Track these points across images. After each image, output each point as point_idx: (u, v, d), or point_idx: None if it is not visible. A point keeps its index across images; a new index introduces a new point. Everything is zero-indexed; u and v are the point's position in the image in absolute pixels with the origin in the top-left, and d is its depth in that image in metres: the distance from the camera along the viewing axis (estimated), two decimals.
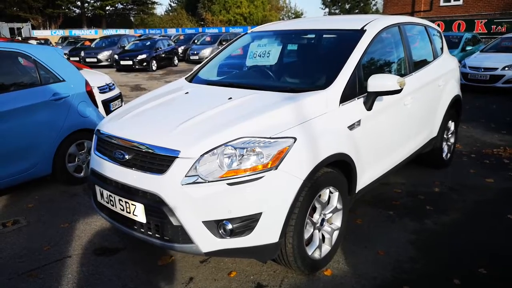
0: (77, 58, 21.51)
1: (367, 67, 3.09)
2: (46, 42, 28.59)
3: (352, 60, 2.88)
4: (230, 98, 2.73)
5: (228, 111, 2.51)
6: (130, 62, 17.81)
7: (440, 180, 4.23)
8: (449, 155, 4.67)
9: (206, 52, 20.54)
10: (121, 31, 42.84)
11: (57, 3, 45.95)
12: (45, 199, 3.91)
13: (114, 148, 2.50)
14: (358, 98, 2.84)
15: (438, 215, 3.45)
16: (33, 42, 29.00)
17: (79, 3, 50.17)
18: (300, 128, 2.39)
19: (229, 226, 2.17)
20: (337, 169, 2.67)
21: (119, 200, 2.40)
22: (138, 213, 2.32)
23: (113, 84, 7.28)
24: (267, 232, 2.24)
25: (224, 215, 2.16)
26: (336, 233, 2.74)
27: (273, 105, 2.54)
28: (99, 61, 20.75)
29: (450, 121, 4.56)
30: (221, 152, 2.18)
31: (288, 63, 3.60)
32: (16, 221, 3.45)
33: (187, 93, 3.04)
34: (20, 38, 32.94)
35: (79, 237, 3.16)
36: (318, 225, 2.58)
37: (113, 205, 2.47)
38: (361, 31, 3.15)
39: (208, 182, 2.14)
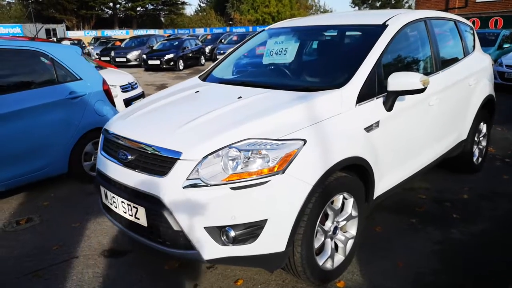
0: (108, 58, 22.06)
1: (389, 65, 2.89)
2: (79, 42, 29.44)
3: (371, 58, 2.69)
4: (240, 97, 2.60)
5: (235, 111, 2.39)
6: (158, 62, 18.04)
7: (469, 186, 3.95)
8: (480, 159, 4.37)
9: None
10: (151, 31, 43.65)
11: (90, 5, 47.31)
12: (61, 197, 3.92)
13: (118, 148, 2.42)
14: (377, 98, 2.65)
15: (466, 224, 3.20)
16: (67, 42, 29.98)
17: (111, 4, 51.45)
18: (311, 129, 2.23)
19: (232, 233, 2.04)
20: (353, 174, 2.50)
21: (122, 202, 2.32)
22: (140, 216, 2.23)
23: (136, 83, 7.32)
24: (273, 240, 2.10)
25: (227, 221, 2.04)
26: (350, 242, 2.57)
27: (283, 104, 2.39)
28: (128, 60, 21.16)
29: (481, 123, 4.25)
30: (225, 154, 2.06)
31: (305, 60, 3.43)
32: (30, 219, 3.46)
33: (197, 92, 2.94)
34: (55, 39, 34.21)
35: (88, 237, 3.12)
36: (330, 233, 2.42)
37: (116, 207, 2.40)
38: (383, 26, 2.94)
39: (210, 185, 2.02)
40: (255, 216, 2.04)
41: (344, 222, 2.50)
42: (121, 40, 26.59)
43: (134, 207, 2.25)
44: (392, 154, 2.82)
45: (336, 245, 2.51)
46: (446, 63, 3.58)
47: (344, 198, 2.47)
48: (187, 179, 2.05)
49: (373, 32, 2.94)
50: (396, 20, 3.03)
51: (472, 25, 4.38)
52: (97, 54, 25.65)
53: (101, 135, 2.73)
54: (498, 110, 4.88)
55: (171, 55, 18.12)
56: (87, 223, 3.35)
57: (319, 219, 2.26)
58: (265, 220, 2.05)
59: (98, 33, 43.28)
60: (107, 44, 27.93)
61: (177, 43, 19.85)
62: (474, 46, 4.25)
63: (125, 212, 2.32)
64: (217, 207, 2.04)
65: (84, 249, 2.95)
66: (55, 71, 3.91)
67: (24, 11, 49.43)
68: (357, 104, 2.53)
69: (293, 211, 2.09)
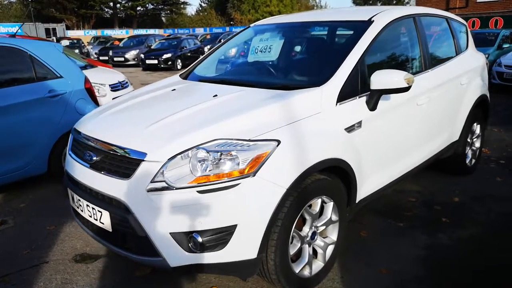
0: (106, 57, 21.99)
1: (373, 63, 2.76)
2: (78, 41, 29.39)
3: (354, 55, 2.57)
4: (216, 95, 2.48)
5: (208, 110, 2.27)
6: (155, 61, 17.94)
7: (461, 189, 3.83)
8: (473, 161, 4.24)
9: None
10: (151, 31, 43.56)
11: (90, 4, 47.23)
12: (39, 199, 3.80)
13: (85, 149, 2.30)
14: (360, 97, 2.53)
15: (455, 229, 3.08)
16: (66, 41, 29.98)
17: (111, 4, 51.37)
18: (286, 129, 2.11)
19: (199, 239, 1.91)
20: (334, 176, 2.38)
21: (87, 205, 2.20)
22: (105, 220, 2.11)
23: (127, 82, 7.21)
24: (243, 247, 1.98)
25: (194, 227, 1.91)
26: (331, 248, 2.45)
27: (258, 103, 2.27)
28: (126, 60, 21.07)
29: (475, 124, 4.13)
30: (192, 156, 1.93)
31: (288, 58, 3.31)
32: (4, 221, 3.34)
33: (174, 90, 2.82)
34: (54, 38, 34.21)
35: (62, 241, 3.00)
36: (308, 239, 2.29)
37: (82, 211, 2.28)
38: (368, 22, 2.82)
39: (176, 189, 1.90)
40: (224, 221, 1.92)
41: (323, 227, 2.38)
42: (120, 40, 26.54)
43: (98, 211, 2.12)
44: (376, 156, 2.69)
45: (315, 251, 2.39)
46: (437, 61, 3.46)
47: (323, 201, 2.35)
48: (151, 182, 1.93)
49: (358, 28, 2.82)
50: (383, 16, 2.91)
51: (465, 23, 4.25)
52: (96, 53, 25.64)
53: (70, 135, 2.61)
54: (496, 111, 4.78)
55: (169, 55, 18.03)
56: (63, 226, 3.23)
57: (294, 224, 2.13)
58: (235, 226, 1.93)
59: (98, 32, 43.20)
60: (106, 43, 27.88)
61: (175, 42, 19.75)
62: (467, 45, 4.12)
63: (90, 216, 2.20)
64: (183, 212, 1.91)
65: (56, 254, 2.83)
66: (34, 69, 3.79)
67: (24, 11, 49.38)
68: (338, 103, 2.41)
69: (265, 216, 1.96)
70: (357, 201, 2.61)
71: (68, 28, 44.66)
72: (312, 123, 2.24)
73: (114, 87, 6.68)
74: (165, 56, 17.94)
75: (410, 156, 3.11)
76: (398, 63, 3.08)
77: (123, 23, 53.34)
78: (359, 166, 2.50)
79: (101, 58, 22.97)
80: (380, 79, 2.46)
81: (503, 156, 4.80)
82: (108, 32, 43.86)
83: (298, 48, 3.33)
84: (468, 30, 4.28)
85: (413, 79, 2.49)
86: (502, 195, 3.68)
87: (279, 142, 2.03)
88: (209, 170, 1.91)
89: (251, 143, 1.98)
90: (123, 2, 52.55)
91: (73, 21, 48.23)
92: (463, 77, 3.72)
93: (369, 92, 2.54)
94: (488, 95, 4.22)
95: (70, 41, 30.15)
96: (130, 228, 1.97)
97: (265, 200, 1.96)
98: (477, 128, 4.22)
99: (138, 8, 53.87)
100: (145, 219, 1.94)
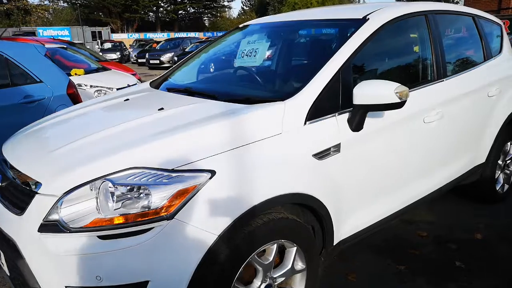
0: (144, 60, 22.51)
1: (364, 71, 2.25)
2: (120, 44, 30.40)
3: (336, 60, 2.06)
4: (161, 109, 2.06)
5: (139, 128, 1.85)
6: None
7: (487, 222, 3.16)
8: (506, 186, 3.55)
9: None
10: (192, 34, 44.16)
11: (134, 8, 48.63)
12: None
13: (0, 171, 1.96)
14: (340, 114, 2.01)
15: (471, 278, 2.46)
16: (108, 44, 31.07)
17: (154, 8, 52.68)
18: (227, 156, 1.65)
19: None
20: (304, 212, 1.90)
21: None
22: (3, 262, 1.75)
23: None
24: None
25: (93, 282, 1.50)
26: None
27: (202, 121, 1.82)
28: (161, 62, 21.35)
29: (508, 143, 3.44)
30: (96, 190, 1.53)
31: (266, 64, 2.83)
32: None
33: (126, 100, 2.43)
34: (99, 41, 35.61)
35: None
36: None
37: None
38: (361, 21, 2.30)
39: (72, 231, 1.50)
40: (132, 277, 1.49)
41: (282, 278, 1.89)
42: (158, 43, 26.97)
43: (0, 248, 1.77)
44: (362, 187, 2.16)
45: None
46: (456, 68, 2.85)
47: (283, 247, 1.86)
48: (44, 221, 1.54)
49: (348, 28, 2.30)
50: (381, 13, 2.38)
51: (500, 22, 3.57)
52: (135, 56, 26.26)
53: None
54: None
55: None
56: None
57: (236, 277, 1.67)
58: (146, 283, 1.50)
59: (140, 35, 44.41)
60: (146, 46, 28.47)
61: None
62: (501, 48, 3.44)
63: None
64: (80, 262, 1.50)
65: None
66: (9, 73, 3.56)
67: (74, 15, 51.76)
68: (308, 122, 1.91)
69: (186, 270, 1.51)
70: (335, 243, 2.10)
71: (113, 31, 46.22)
72: (266, 148, 1.76)
73: None
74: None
75: (414, 185, 2.53)
76: (399, 71, 2.52)
77: (165, 27, 54.52)
78: (336, 201, 1.99)
79: (139, 60, 23.54)
80: (365, 92, 1.94)
81: None
82: (150, 35, 44.96)
83: (280, 52, 2.84)
84: (504, 30, 3.59)
85: (407, 93, 1.94)
86: None
87: (213, 173, 1.58)
88: (115, 210, 1.49)
89: (174, 174, 1.54)
90: (165, 6, 53.74)
91: (117, 25, 49.91)
92: (492, 87, 3.07)
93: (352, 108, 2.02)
94: None
95: (112, 43, 31.22)
96: (21, 275, 1.59)
97: (185, 250, 1.51)
98: (511, 148, 3.52)
99: (180, 12, 54.90)
100: (37, 266, 1.55)
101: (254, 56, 2.86)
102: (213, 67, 3.05)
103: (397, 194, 2.41)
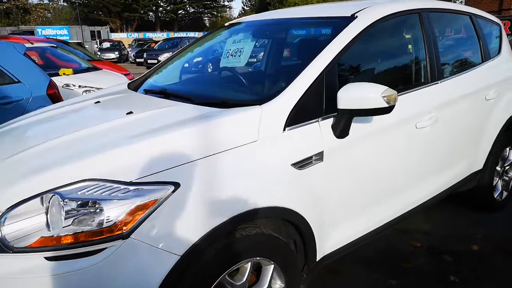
0: (142, 60, 22.46)
1: (351, 73, 2.09)
2: (118, 43, 30.35)
3: (319, 61, 1.90)
4: (130, 112, 1.91)
5: (100, 134, 1.69)
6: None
7: (484, 232, 3.00)
8: (505, 193, 3.38)
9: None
10: (191, 34, 44.01)
11: (134, 8, 48.48)
12: None
13: None
14: (324, 119, 1.86)
15: None
16: (107, 44, 31.03)
17: (154, 7, 52.53)
18: (193, 166, 1.49)
19: None
20: (286, 225, 1.75)
21: None
22: None
23: None
24: None
25: None
26: None
27: (171, 126, 1.66)
28: (159, 62, 21.25)
29: (507, 148, 3.29)
30: (42, 205, 1.37)
31: (248, 65, 2.67)
32: None
33: (97, 102, 2.27)
34: (98, 40, 35.55)
35: None
36: None
37: None
38: (349, 19, 2.14)
39: (15, 252, 1.34)
40: None
41: None
42: (157, 42, 26.87)
43: None
44: (348, 198, 2.00)
45: None
46: (451, 70, 2.70)
47: (259, 264, 1.71)
48: None
49: (335, 26, 2.14)
50: (371, 10, 2.22)
51: (499, 22, 3.41)
52: (133, 55, 26.18)
53: None
54: None
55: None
56: None
57: None
58: None
59: (140, 35, 44.25)
60: (144, 45, 28.37)
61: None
62: (499, 49, 3.28)
63: None
64: (27, 285, 1.34)
65: None
66: None
67: (73, 14, 51.65)
68: (288, 128, 1.75)
69: None
70: (318, 259, 1.94)
71: (112, 30, 46.05)
72: (240, 157, 1.60)
73: None
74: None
75: (406, 194, 2.37)
76: (389, 73, 2.36)
77: (165, 26, 54.36)
78: (318, 214, 1.83)
79: (137, 60, 23.48)
80: (350, 95, 1.79)
81: None
82: (149, 34, 44.82)
83: (263, 52, 2.68)
84: (503, 31, 3.43)
85: (395, 97, 1.78)
86: None
87: (177, 185, 1.42)
88: (63, 228, 1.33)
89: (132, 187, 1.39)
90: (165, 5, 53.58)
91: (117, 24, 49.77)
92: (490, 90, 2.91)
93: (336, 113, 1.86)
94: None
95: (111, 43, 31.15)
96: None
97: (142, 274, 1.35)
98: (510, 154, 3.36)
99: (180, 12, 54.75)
100: None
101: (239, 56, 2.70)
102: (197, 67, 2.89)
103: (387, 204, 2.25)
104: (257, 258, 1.66)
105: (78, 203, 1.35)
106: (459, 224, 3.13)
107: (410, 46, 2.44)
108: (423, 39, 2.46)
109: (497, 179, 3.27)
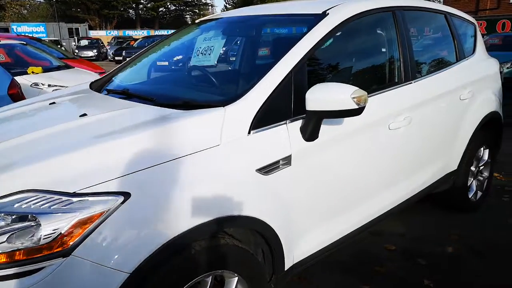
0: (121, 58, 22.04)
1: (321, 73, 2.00)
2: (97, 41, 29.77)
3: (287, 60, 1.80)
4: (84, 115, 1.77)
5: (42, 140, 1.54)
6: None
7: (459, 233, 2.97)
8: (479, 194, 3.36)
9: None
10: (172, 32, 43.42)
11: (113, 5, 47.62)
12: None
13: None
14: (291, 121, 1.76)
15: None
16: (85, 41, 30.41)
17: (134, 5, 51.73)
18: (146, 174, 1.37)
19: None
20: (252, 233, 1.64)
21: None
22: None
23: None
24: None
25: None
26: None
27: (124, 130, 1.54)
28: None
29: (481, 148, 3.26)
30: None
31: (216, 64, 2.55)
32: None
33: (52, 103, 2.12)
34: (76, 38, 34.82)
35: None
36: None
37: None
38: (320, 17, 2.05)
39: None
40: None
41: None
42: (137, 40, 26.44)
43: None
44: (318, 203, 1.91)
45: None
46: (425, 69, 2.64)
47: (222, 277, 1.60)
48: None
49: (305, 24, 2.05)
50: (343, 8, 2.13)
51: (474, 21, 3.38)
52: (112, 53, 25.71)
53: None
54: None
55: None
56: None
57: None
58: None
59: (119, 33, 43.46)
60: (123, 44, 27.89)
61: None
62: (474, 48, 3.25)
63: None
64: None
65: None
66: None
67: (50, 10, 50.40)
68: (253, 131, 1.64)
69: None
70: (287, 268, 1.84)
71: (91, 28, 45.11)
72: (199, 163, 1.49)
73: None
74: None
75: (379, 197, 2.30)
76: (361, 73, 2.28)
77: (146, 24, 53.58)
78: (286, 222, 1.74)
79: (116, 58, 23.06)
80: (318, 96, 1.69)
81: None
82: (129, 32, 44.05)
83: (231, 50, 2.57)
84: (478, 29, 3.41)
85: (366, 98, 1.70)
86: None
87: (127, 196, 1.30)
88: None
89: (75, 199, 1.26)
90: (145, 3, 52.82)
91: (96, 21, 48.81)
92: (464, 89, 2.87)
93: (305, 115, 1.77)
94: (500, 111, 3.33)
95: (89, 41, 30.53)
96: None
97: None
98: (485, 154, 3.35)
99: (160, 9, 54.07)
100: None
101: (209, 54, 2.58)
102: (166, 66, 2.76)
103: (359, 208, 2.17)
104: (219, 271, 1.55)
105: (13, 217, 1.22)
106: (434, 226, 3.09)
107: (383, 45, 2.37)
108: (397, 38, 2.39)
109: (472, 179, 3.24)
